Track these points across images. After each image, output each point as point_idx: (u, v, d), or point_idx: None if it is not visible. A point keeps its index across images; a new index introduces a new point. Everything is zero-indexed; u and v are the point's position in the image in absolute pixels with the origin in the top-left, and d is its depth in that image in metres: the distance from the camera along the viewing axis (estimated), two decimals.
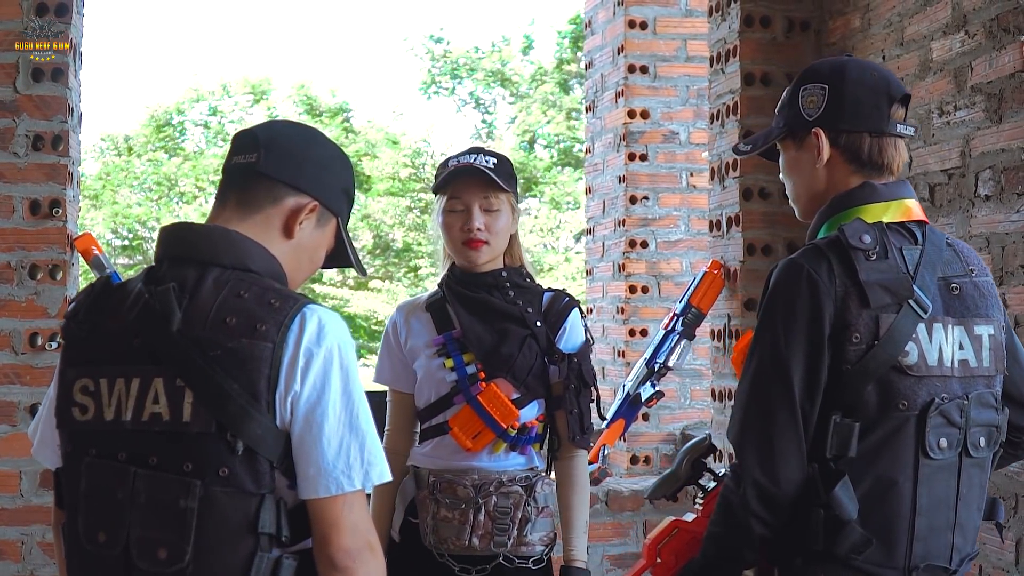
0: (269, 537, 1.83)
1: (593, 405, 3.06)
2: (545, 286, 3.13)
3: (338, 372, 1.86)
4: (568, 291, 3.14)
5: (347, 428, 1.85)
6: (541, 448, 3.05)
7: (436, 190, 3.03)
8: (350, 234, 2.17)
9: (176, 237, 1.98)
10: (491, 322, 2.98)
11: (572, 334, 3.03)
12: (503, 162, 3.01)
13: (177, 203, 21.67)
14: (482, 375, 2.95)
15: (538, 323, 2.99)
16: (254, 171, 2.00)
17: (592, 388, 3.05)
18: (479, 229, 2.94)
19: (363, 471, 1.85)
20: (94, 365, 1.92)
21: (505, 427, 2.93)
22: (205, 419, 1.81)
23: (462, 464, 2.95)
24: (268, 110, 23.22)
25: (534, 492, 2.91)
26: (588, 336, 3.08)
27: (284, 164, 2.01)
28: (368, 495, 1.91)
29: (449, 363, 2.97)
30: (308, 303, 1.88)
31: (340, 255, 2.15)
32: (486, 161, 2.98)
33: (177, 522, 1.81)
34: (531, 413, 2.99)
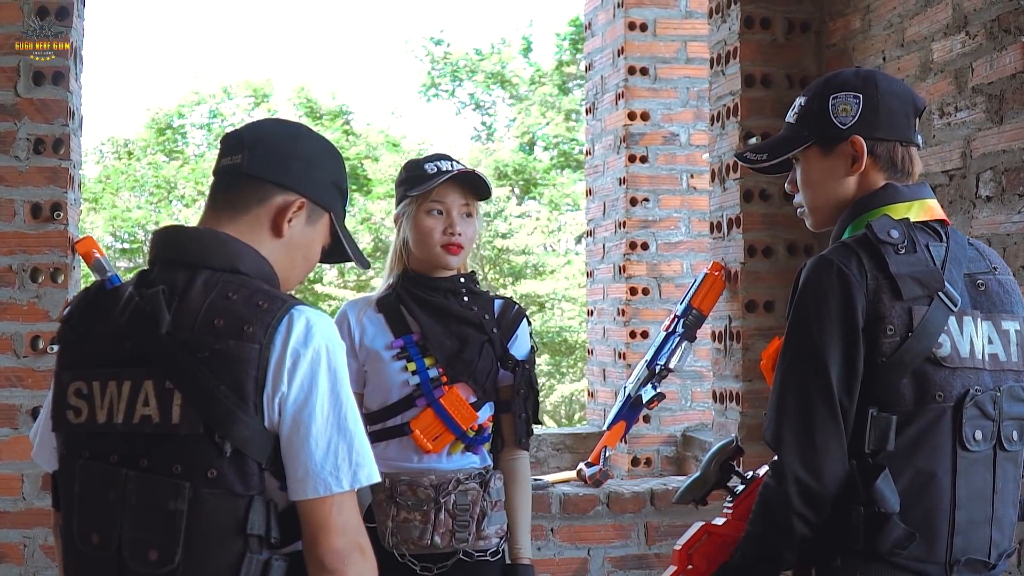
0: (258, 539, 1.83)
1: (533, 411, 3.17)
2: (493, 294, 3.24)
3: (325, 373, 1.85)
4: (515, 299, 3.24)
5: (335, 429, 1.85)
6: (489, 448, 3.15)
7: (413, 192, 3.04)
8: (348, 230, 2.16)
9: (167, 240, 2.00)
10: (450, 326, 3.05)
11: (522, 341, 3.16)
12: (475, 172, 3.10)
13: (177, 206, 21.66)
14: (444, 379, 3.02)
15: (494, 329, 3.09)
16: (240, 172, 2.02)
17: (535, 394, 3.16)
18: (460, 233, 3.03)
19: (351, 472, 1.85)
20: (87, 368, 1.93)
21: (465, 429, 3.02)
22: (193, 421, 1.82)
23: (418, 466, 3.02)
24: (269, 112, 23.21)
25: (488, 488, 3.02)
26: (533, 344, 3.21)
27: (269, 162, 2.02)
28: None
29: (411, 366, 3.03)
30: (296, 304, 1.88)
31: (338, 250, 2.14)
32: (463, 168, 3.05)
33: (167, 524, 1.81)
34: (485, 415, 3.10)
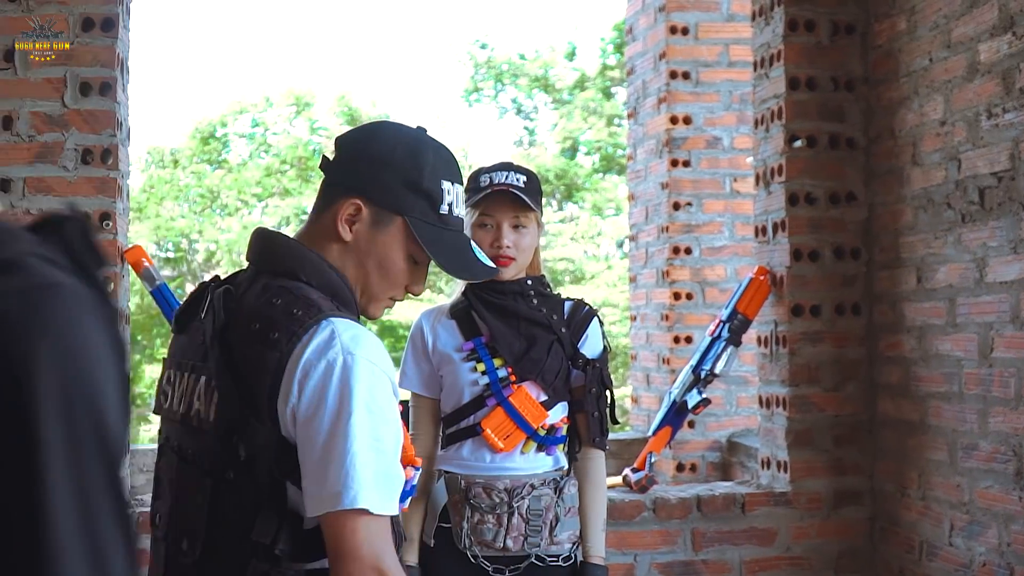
0: (264, 548, 1.80)
1: (608, 410, 3.18)
2: (564, 296, 3.26)
3: (338, 386, 1.76)
4: (586, 301, 3.28)
5: (342, 446, 1.74)
6: (564, 449, 3.17)
7: (468, 204, 3.08)
8: (461, 234, 2.06)
9: (252, 243, 2.03)
10: (518, 327, 3.11)
11: (593, 341, 3.19)
12: (532, 179, 3.13)
13: (220, 215, 21.80)
14: (513, 378, 3.07)
15: (563, 329, 3.13)
16: (324, 178, 2.04)
17: (610, 393, 3.19)
18: (508, 247, 3.06)
19: (362, 493, 1.73)
20: (175, 358, 2.03)
21: (535, 428, 3.06)
22: (221, 421, 1.84)
23: (494, 468, 3.07)
24: (310, 122, 23.32)
25: (562, 493, 3.07)
26: (606, 344, 3.22)
27: (340, 166, 2.01)
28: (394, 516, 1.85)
29: (480, 367, 3.09)
30: (332, 315, 1.82)
31: (442, 259, 2.00)
32: (517, 179, 3.08)
33: (195, 516, 1.85)
34: (557, 415, 3.12)
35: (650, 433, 4.61)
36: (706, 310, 5.78)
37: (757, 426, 5.01)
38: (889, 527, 4.23)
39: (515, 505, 3.01)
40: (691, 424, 5.70)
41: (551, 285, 3.27)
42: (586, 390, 3.13)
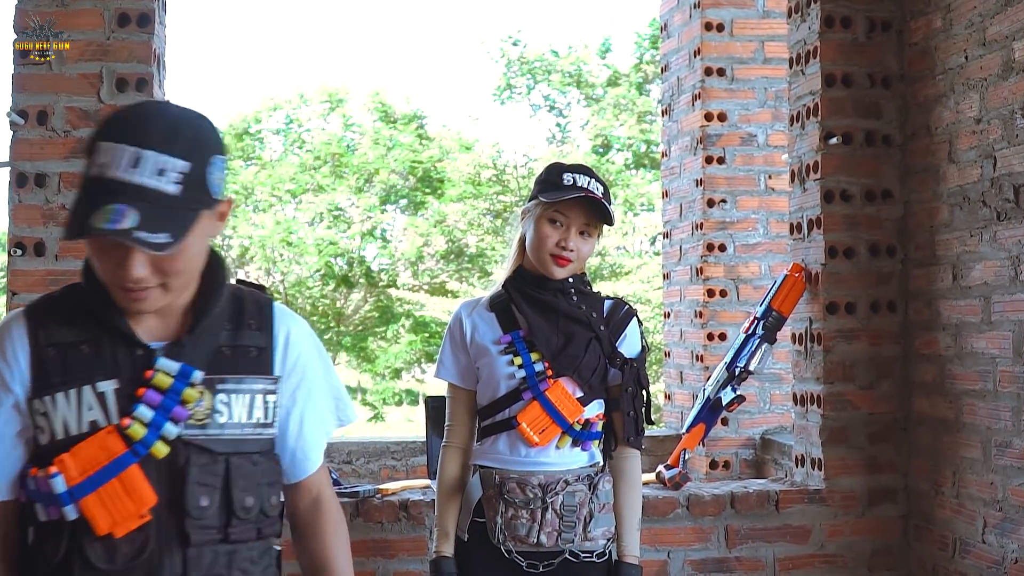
0: None
1: (644, 409, 3.19)
2: (604, 294, 3.27)
3: None
4: (626, 300, 3.28)
5: None
6: (599, 446, 3.18)
7: (544, 197, 3.08)
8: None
9: None
10: (557, 323, 3.11)
11: (631, 340, 3.20)
12: (607, 192, 3.14)
13: (253, 212, 21.89)
14: (549, 372, 3.08)
15: (602, 327, 3.14)
16: None
17: (646, 393, 3.19)
18: (572, 250, 3.08)
19: None
20: None
21: (571, 422, 3.06)
22: None
23: (528, 463, 3.08)
24: (343, 118, 23.41)
25: (597, 490, 3.07)
26: (644, 343, 3.23)
27: None
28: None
29: (517, 360, 3.10)
30: None
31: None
32: (597, 188, 3.09)
33: None
34: (592, 411, 3.13)
35: (684, 430, 4.62)
36: (740, 307, 5.77)
37: (790, 423, 5.00)
38: (923, 525, 4.22)
39: (549, 500, 3.02)
40: (724, 421, 5.69)
41: (591, 283, 3.27)
42: (622, 389, 3.13)
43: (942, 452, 4.09)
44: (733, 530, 4.23)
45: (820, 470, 4.32)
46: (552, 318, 3.11)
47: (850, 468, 4.31)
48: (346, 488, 4.12)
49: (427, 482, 4.28)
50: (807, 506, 4.29)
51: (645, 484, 4.34)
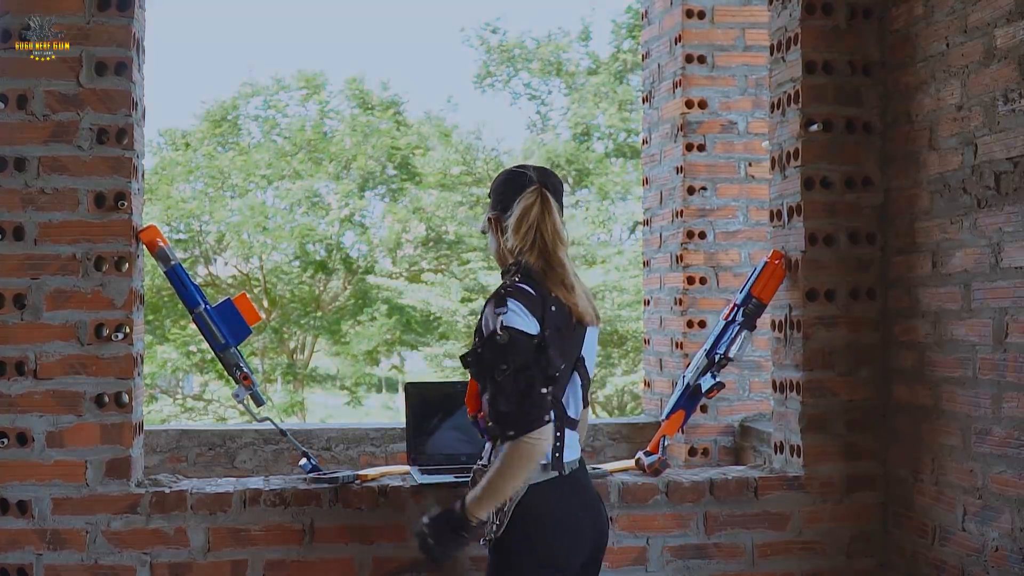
0: None
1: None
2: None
3: None
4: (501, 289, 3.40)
5: None
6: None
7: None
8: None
9: None
10: None
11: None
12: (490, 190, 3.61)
13: (230, 197, 21.78)
14: None
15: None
16: None
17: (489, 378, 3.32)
18: None
19: None
20: None
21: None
22: None
23: None
24: (321, 104, 23.30)
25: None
26: (483, 328, 3.32)
27: None
28: None
29: None
30: None
31: None
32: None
33: None
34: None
35: (663, 417, 4.62)
36: (720, 294, 5.78)
37: (769, 411, 5.01)
38: (902, 512, 4.23)
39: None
40: (704, 408, 5.70)
41: (514, 275, 3.39)
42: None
43: (921, 439, 4.10)
44: (712, 516, 4.23)
45: (799, 457, 4.33)
46: None
47: (829, 455, 4.32)
48: (325, 474, 4.11)
49: (406, 468, 4.27)
50: (786, 493, 4.30)
51: (624, 470, 4.35)
